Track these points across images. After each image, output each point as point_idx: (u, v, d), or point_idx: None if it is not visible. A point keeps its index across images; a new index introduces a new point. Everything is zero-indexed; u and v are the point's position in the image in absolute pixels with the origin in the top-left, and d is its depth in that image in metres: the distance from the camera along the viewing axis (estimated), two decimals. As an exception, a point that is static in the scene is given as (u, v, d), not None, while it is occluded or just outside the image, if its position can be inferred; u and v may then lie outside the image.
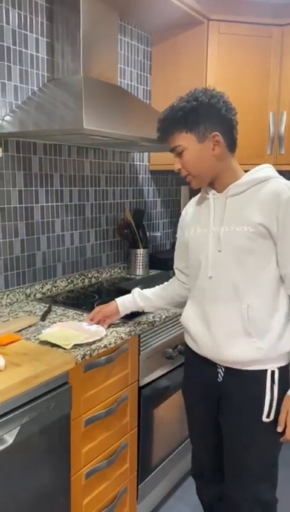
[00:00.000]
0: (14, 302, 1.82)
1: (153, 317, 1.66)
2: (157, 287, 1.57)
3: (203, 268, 1.27)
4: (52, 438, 1.23)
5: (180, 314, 1.79)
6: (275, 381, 1.22)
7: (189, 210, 1.40)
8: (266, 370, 1.22)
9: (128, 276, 2.38)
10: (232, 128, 1.24)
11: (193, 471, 1.54)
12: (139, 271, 2.39)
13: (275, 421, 1.23)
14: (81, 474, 1.39)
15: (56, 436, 1.25)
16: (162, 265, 2.45)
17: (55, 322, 1.57)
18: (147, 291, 1.56)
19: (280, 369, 1.23)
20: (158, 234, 2.73)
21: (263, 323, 1.20)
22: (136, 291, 1.56)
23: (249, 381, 1.23)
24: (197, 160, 1.22)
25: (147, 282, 2.14)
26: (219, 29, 2.22)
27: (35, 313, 1.69)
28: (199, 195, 1.38)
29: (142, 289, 1.58)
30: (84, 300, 1.90)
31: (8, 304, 1.79)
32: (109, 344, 1.41)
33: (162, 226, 2.76)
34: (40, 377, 1.16)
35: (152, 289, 1.56)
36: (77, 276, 2.13)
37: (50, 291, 1.98)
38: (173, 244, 2.80)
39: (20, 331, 1.48)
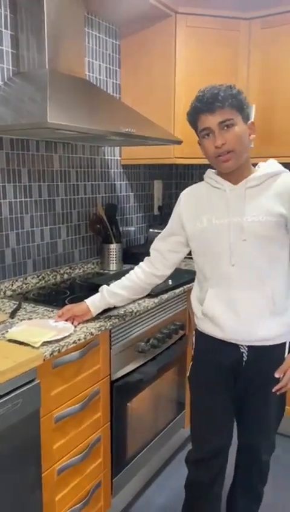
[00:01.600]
0: (-16, 300, 1.79)
1: (124, 311, 1.66)
2: (124, 278, 1.57)
3: (225, 257, 1.35)
4: (21, 435, 1.22)
5: (152, 308, 1.81)
6: None
7: (192, 199, 1.45)
8: (286, 342, 1.40)
9: (101, 271, 2.37)
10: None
11: (193, 458, 1.57)
12: (113, 266, 2.39)
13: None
14: (53, 470, 1.39)
15: (25, 433, 1.24)
16: (136, 259, 2.41)
17: (24, 319, 1.55)
18: (115, 287, 1.56)
19: None
20: (132, 229, 2.73)
21: (283, 302, 1.36)
22: (105, 288, 1.56)
23: (272, 353, 1.39)
24: (243, 137, 1.30)
25: (120, 277, 2.14)
26: (186, 22, 2.22)
27: (4, 310, 1.67)
28: (198, 184, 1.47)
29: (109, 285, 1.57)
30: (55, 297, 1.89)
31: (-23, 302, 1.76)
32: (78, 340, 1.41)
33: (135, 220, 2.76)
34: (6, 374, 1.15)
35: (119, 283, 1.57)
36: (48, 272, 2.11)
37: (20, 288, 1.96)
38: (147, 238, 2.82)
39: (-12, 329, 1.46)
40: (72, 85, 1.79)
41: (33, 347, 1.31)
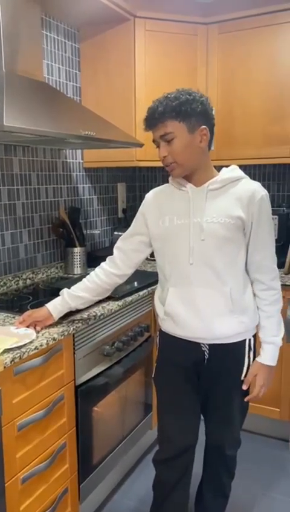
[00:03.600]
0: None
1: (88, 315, 1.65)
2: (84, 280, 1.57)
3: (185, 256, 1.38)
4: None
5: (116, 311, 1.80)
6: (251, 347, 1.46)
7: (155, 200, 1.48)
8: (245, 339, 1.44)
9: (65, 275, 2.35)
10: (213, 127, 1.39)
11: (160, 458, 1.56)
12: (77, 270, 2.37)
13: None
14: (17, 479, 1.36)
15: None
16: (100, 263, 2.43)
17: (-16, 326, 1.52)
18: (77, 289, 1.55)
19: (253, 337, 1.47)
20: (97, 232, 2.72)
21: (241, 301, 1.40)
22: (66, 292, 1.55)
23: (233, 351, 1.44)
24: (185, 149, 1.32)
25: (84, 281, 2.13)
26: (145, 26, 2.24)
27: None
28: (162, 187, 1.50)
29: (69, 288, 1.56)
30: (16, 303, 1.86)
31: None
32: (40, 346, 1.39)
33: (100, 223, 2.75)
34: None
35: (80, 285, 1.56)
36: (10, 278, 2.08)
37: (-18, 295, 1.92)
38: (112, 241, 2.81)
39: None
40: (29, 87, 1.77)
41: None
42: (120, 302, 1.83)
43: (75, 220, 2.39)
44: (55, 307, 1.52)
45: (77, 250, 2.36)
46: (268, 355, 1.44)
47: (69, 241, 2.36)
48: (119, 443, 1.94)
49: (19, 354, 1.30)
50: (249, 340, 1.46)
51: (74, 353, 1.60)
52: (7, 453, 1.30)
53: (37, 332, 1.46)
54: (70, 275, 2.34)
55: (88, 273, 2.37)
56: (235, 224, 1.35)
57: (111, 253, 1.60)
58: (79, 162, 2.50)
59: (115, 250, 1.57)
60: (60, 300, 1.53)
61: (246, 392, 1.49)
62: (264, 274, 1.42)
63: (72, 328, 1.54)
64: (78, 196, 2.53)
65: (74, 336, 1.60)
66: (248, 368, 1.46)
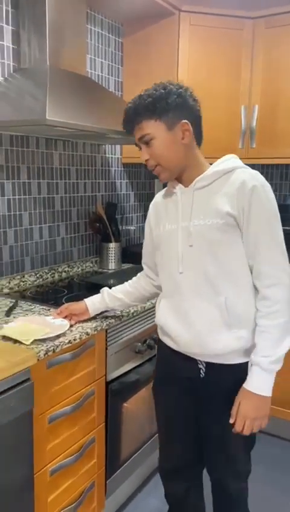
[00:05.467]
0: (-20, 298, 1.78)
1: (121, 311, 1.64)
2: (126, 283, 1.54)
3: (175, 264, 1.26)
4: (13, 436, 1.21)
5: (149, 309, 1.79)
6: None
7: (156, 206, 1.38)
8: (247, 362, 1.22)
9: (100, 270, 2.36)
10: (199, 120, 1.25)
11: (163, 470, 1.50)
12: (112, 265, 2.37)
13: None
14: (45, 471, 1.38)
15: (18, 434, 1.23)
16: (135, 259, 2.42)
17: (18, 317, 1.54)
18: (117, 291, 1.52)
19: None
20: (132, 228, 2.71)
21: (241, 313, 1.21)
22: (106, 292, 1.52)
23: (231, 374, 1.24)
24: (167, 149, 1.20)
25: (119, 277, 2.13)
26: (190, 20, 2.20)
27: (0, 308, 1.66)
28: (164, 190, 1.36)
29: (110, 287, 1.55)
30: (52, 295, 1.87)
31: (-27, 299, 1.75)
32: (74, 340, 1.40)
33: (135, 219, 2.74)
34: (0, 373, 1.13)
35: (121, 287, 1.53)
36: (46, 270, 2.10)
37: (18, 286, 1.95)
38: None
39: (-17, 327, 1.44)
40: (72, 82, 1.78)
41: (24, 345, 1.30)
42: (153, 300, 1.81)
43: (111, 215, 2.39)
44: (93, 303, 1.51)
45: (112, 245, 2.36)
46: (253, 380, 1.18)
47: (104, 236, 2.36)
48: (146, 442, 1.93)
49: (52, 347, 1.31)
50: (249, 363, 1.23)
51: (106, 349, 1.60)
52: (37, 444, 1.31)
53: (71, 325, 1.47)
54: (105, 270, 2.35)
55: (122, 269, 2.40)
56: (225, 224, 1.17)
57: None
58: (118, 158, 2.50)
59: (143, 266, 1.50)
60: (99, 298, 1.52)
61: None
62: (259, 280, 1.19)
63: (105, 324, 1.54)
64: (115, 191, 2.53)
65: (106, 331, 1.59)
66: None
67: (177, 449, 1.43)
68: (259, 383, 1.18)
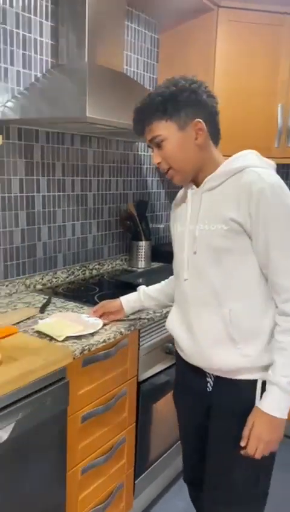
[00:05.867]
0: (14, 293, 1.79)
1: (154, 312, 1.63)
2: (163, 282, 1.49)
3: (181, 270, 1.19)
4: (48, 434, 1.21)
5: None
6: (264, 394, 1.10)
7: (174, 205, 1.31)
8: (256, 380, 1.12)
9: (129, 268, 2.35)
10: (215, 117, 1.14)
11: (185, 477, 1.46)
12: (141, 263, 2.36)
13: None
14: (77, 469, 1.37)
15: (52, 432, 1.23)
16: (164, 258, 2.41)
17: (52, 314, 1.54)
18: (153, 290, 1.47)
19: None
20: (161, 226, 2.69)
21: (249, 328, 1.10)
22: (142, 291, 1.48)
23: (239, 392, 1.14)
24: (179, 151, 1.11)
25: (148, 276, 2.11)
26: (228, 16, 2.15)
27: (34, 304, 1.67)
28: (180, 191, 1.30)
29: (147, 285, 1.51)
30: (84, 293, 1.87)
31: (7, 295, 1.76)
32: (108, 339, 1.38)
33: (165, 218, 2.72)
34: (36, 372, 1.13)
35: (157, 286, 1.49)
36: (77, 267, 2.10)
37: (50, 283, 1.95)
38: (176, 237, 2.78)
39: (18, 323, 1.45)
40: (110, 79, 1.76)
41: (57, 340, 1.30)
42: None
43: (142, 214, 2.37)
44: (128, 302, 1.48)
45: (142, 244, 2.35)
46: (270, 400, 1.06)
47: (135, 234, 2.35)
48: (174, 443, 1.91)
49: (88, 346, 1.30)
50: (264, 382, 1.11)
51: (139, 349, 1.59)
52: (70, 443, 1.31)
53: (105, 324, 1.46)
54: (135, 269, 2.33)
55: (152, 268, 2.39)
56: (230, 230, 1.06)
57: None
58: (150, 155, 2.48)
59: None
60: (135, 297, 1.48)
61: None
62: (275, 293, 1.08)
63: (138, 324, 1.53)
64: (146, 189, 2.51)
65: (139, 331, 1.58)
66: None
67: (194, 459, 1.37)
68: (276, 404, 1.06)
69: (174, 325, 1.25)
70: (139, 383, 1.61)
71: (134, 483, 1.68)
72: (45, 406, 1.17)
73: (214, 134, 1.15)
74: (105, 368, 1.43)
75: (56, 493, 1.29)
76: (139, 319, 1.55)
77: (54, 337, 1.32)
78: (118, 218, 2.32)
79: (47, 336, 1.34)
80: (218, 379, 1.17)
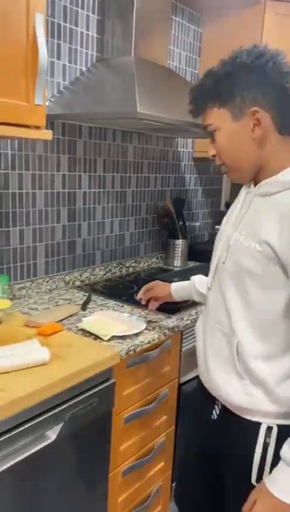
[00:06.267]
0: (54, 289, 1.78)
1: (196, 312, 1.59)
2: None
3: (209, 276, 1.07)
4: (94, 435, 1.20)
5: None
6: (272, 441, 0.93)
7: (234, 201, 1.12)
8: (260, 424, 0.95)
9: (165, 267, 2.31)
10: (287, 101, 0.90)
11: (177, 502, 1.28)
12: (177, 262, 2.32)
13: None
14: (118, 471, 1.35)
15: (98, 433, 1.21)
16: (200, 257, 2.37)
17: (94, 312, 1.52)
18: (204, 287, 1.25)
19: (283, 427, 0.93)
20: (197, 224, 2.64)
21: (255, 369, 0.94)
22: (194, 284, 1.30)
23: (241, 431, 0.98)
24: (231, 145, 0.93)
25: (184, 275, 2.06)
26: (276, 10, 2.08)
27: (75, 301, 1.65)
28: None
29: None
30: (122, 291, 1.85)
31: (47, 291, 1.75)
32: (153, 340, 1.36)
33: (201, 216, 2.67)
34: (85, 372, 1.11)
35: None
36: (114, 265, 2.08)
37: (88, 279, 1.94)
38: (211, 236, 2.72)
39: (61, 320, 1.44)
40: (156, 74, 1.72)
41: (102, 339, 1.29)
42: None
43: (179, 211, 2.33)
44: (178, 290, 1.35)
45: (179, 242, 2.31)
46: (278, 480, 0.88)
47: (172, 232, 2.31)
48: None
49: (133, 347, 1.28)
50: (269, 428, 0.94)
51: (181, 350, 1.56)
52: (113, 445, 1.29)
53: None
54: (171, 267, 2.30)
55: (188, 267, 2.35)
56: (263, 254, 0.89)
57: (210, 247, 1.48)
58: (189, 152, 2.43)
59: None
60: (186, 288, 1.34)
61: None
62: None
63: (181, 325, 1.49)
64: (184, 187, 2.47)
65: (182, 333, 1.55)
66: (261, 471, 0.95)
67: (179, 492, 1.25)
68: (285, 485, 0.87)
69: (197, 333, 1.11)
70: (180, 385, 1.58)
71: (171, 487, 1.65)
72: (92, 406, 1.15)
73: (284, 124, 0.91)
74: (148, 369, 1.40)
75: (99, 494, 1.27)
76: (182, 319, 1.52)
77: (100, 336, 1.30)
78: (155, 215, 2.29)
79: (91, 334, 1.33)
80: (224, 409, 1.02)
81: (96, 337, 1.31)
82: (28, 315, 1.46)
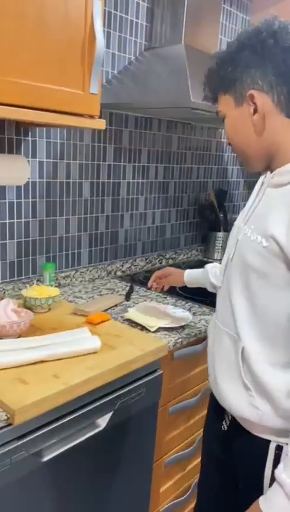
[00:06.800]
0: (96, 279, 1.79)
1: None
2: None
3: (219, 273, 0.99)
4: (141, 425, 1.20)
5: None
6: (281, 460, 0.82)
7: None
8: (269, 441, 0.86)
9: (205, 259, 2.29)
10: (286, 81, 0.81)
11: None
12: (218, 255, 2.29)
13: None
14: (162, 461, 1.36)
15: (144, 423, 1.21)
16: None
17: (138, 303, 1.52)
18: (215, 275, 1.22)
19: None
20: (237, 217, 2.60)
21: (262, 379, 0.84)
22: (207, 277, 1.25)
23: (250, 447, 0.90)
24: (236, 133, 0.88)
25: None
26: None
27: (118, 291, 1.66)
28: None
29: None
30: (165, 282, 1.84)
31: (90, 280, 1.76)
32: (199, 333, 1.35)
33: (242, 208, 2.62)
34: (135, 362, 1.11)
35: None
36: (155, 256, 2.07)
37: (129, 270, 1.94)
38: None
39: (106, 310, 1.44)
40: (207, 63, 1.69)
41: (148, 330, 1.28)
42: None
43: (221, 203, 2.30)
44: (191, 278, 1.32)
45: (220, 234, 2.28)
46: (271, 501, 0.79)
47: (213, 225, 2.28)
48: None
49: (180, 339, 1.27)
50: (279, 446, 0.85)
51: (225, 344, 1.54)
52: (158, 435, 1.29)
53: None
54: (210, 260, 2.27)
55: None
56: (268, 250, 0.80)
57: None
58: (231, 143, 2.39)
59: None
60: (201, 278, 1.28)
61: None
62: None
63: (227, 319, 1.48)
64: (226, 178, 2.43)
65: (226, 326, 1.53)
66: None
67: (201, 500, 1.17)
68: (277, 506, 0.78)
69: (208, 336, 1.03)
70: (222, 379, 1.57)
71: (210, 479, 1.64)
72: (141, 397, 1.15)
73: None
74: (193, 362, 1.40)
75: (143, 483, 1.28)
76: (228, 313, 1.50)
77: (147, 327, 1.30)
78: (196, 207, 2.27)
79: (137, 324, 1.33)
80: (233, 421, 0.94)
81: (143, 328, 1.31)
82: (74, 303, 1.48)
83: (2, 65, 0.98)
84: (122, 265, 1.90)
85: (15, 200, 1.46)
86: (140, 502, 1.29)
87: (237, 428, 0.92)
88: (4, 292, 1.45)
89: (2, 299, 1.24)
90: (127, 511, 1.25)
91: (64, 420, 0.97)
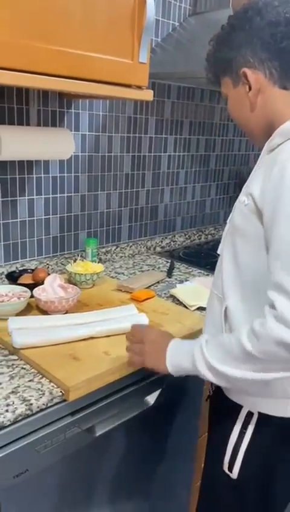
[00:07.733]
0: (136, 254, 1.78)
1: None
2: None
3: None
4: (186, 403, 1.20)
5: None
6: (249, 428, 0.85)
7: None
8: (241, 407, 0.87)
9: (244, 235, 2.24)
10: (280, 52, 0.80)
11: None
12: (257, 231, 2.24)
13: (242, 482, 0.88)
14: (204, 437, 1.36)
15: (190, 401, 1.21)
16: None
17: (181, 280, 1.50)
18: None
19: (266, 417, 0.84)
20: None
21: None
22: None
23: (223, 412, 0.91)
24: (237, 112, 0.89)
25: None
26: None
27: (158, 267, 1.64)
28: None
29: None
30: (205, 259, 1.81)
31: (130, 256, 1.75)
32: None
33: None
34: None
35: None
36: (194, 231, 2.04)
37: (169, 246, 1.92)
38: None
39: (149, 286, 1.43)
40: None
41: (188, 309, 1.27)
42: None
43: (261, 178, 2.22)
44: None
45: (260, 210, 2.21)
46: (177, 347, 0.88)
47: (253, 200, 2.22)
48: None
49: (227, 319, 1.25)
50: (250, 413, 0.86)
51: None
52: (203, 414, 1.29)
53: None
54: (249, 236, 2.22)
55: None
56: (248, 207, 0.80)
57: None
58: (274, 114, 2.29)
59: None
60: None
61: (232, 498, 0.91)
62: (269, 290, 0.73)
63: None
64: (267, 152, 2.34)
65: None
66: (234, 458, 0.87)
67: None
68: (177, 356, 0.86)
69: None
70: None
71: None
72: (187, 376, 1.14)
73: (283, 78, 0.81)
74: (237, 340, 1.38)
75: (188, 456, 1.29)
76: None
77: (187, 305, 1.28)
78: (237, 181, 2.20)
79: (180, 302, 1.31)
80: (217, 386, 0.92)
81: (185, 306, 1.29)
82: (116, 279, 1.47)
83: (48, 34, 0.94)
84: (162, 241, 1.88)
85: (58, 175, 1.44)
86: (183, 478, 1.30)
87: (219, 392, 0.93)
88: (48, 267, 1.46)
89: (49, 274, 1.25)
90: (171, 487, 1.27)
91: (115, 397, 0.98)
